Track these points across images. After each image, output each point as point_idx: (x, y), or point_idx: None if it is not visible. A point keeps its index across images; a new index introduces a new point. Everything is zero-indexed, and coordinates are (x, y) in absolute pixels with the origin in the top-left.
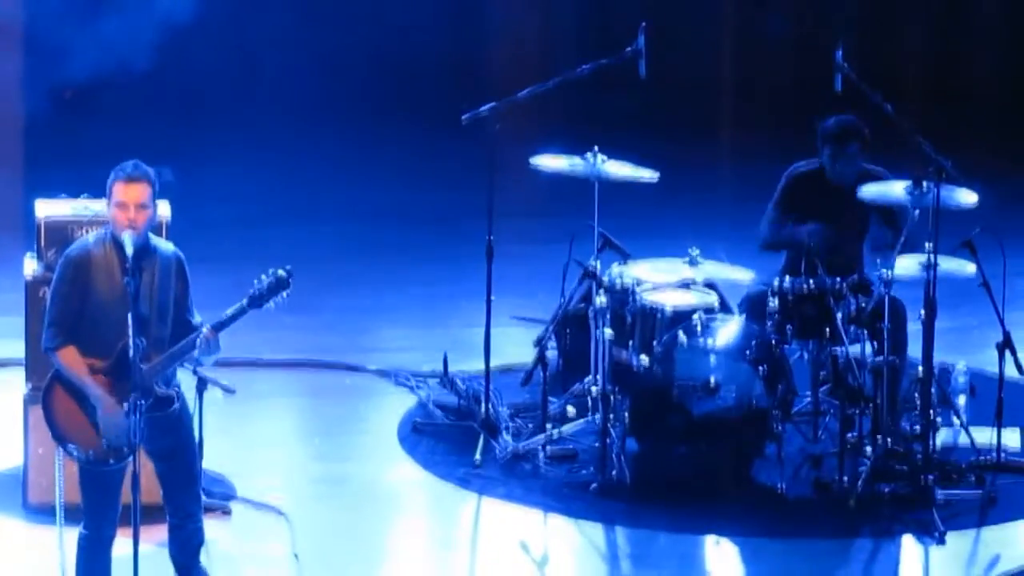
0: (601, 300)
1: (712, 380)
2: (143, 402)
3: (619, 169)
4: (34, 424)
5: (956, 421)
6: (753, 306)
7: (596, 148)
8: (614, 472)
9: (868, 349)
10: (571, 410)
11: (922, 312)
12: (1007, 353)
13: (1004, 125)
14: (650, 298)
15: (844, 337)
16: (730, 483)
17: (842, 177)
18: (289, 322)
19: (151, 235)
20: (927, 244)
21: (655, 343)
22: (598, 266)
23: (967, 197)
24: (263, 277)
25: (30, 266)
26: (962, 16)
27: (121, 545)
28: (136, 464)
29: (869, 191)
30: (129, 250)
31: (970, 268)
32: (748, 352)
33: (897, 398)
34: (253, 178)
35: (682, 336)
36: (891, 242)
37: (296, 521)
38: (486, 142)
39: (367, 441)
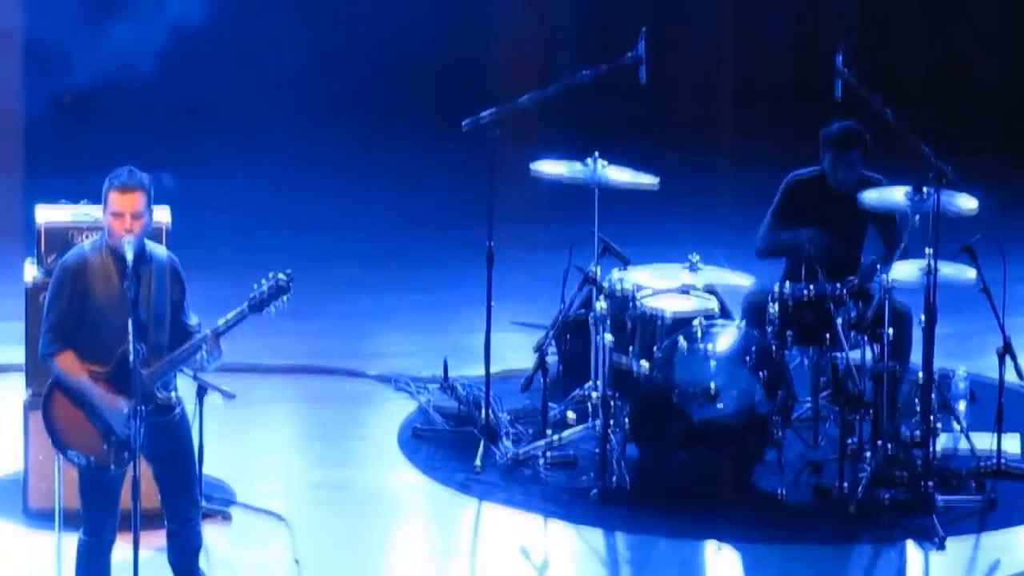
0: (601, 306)
1: (712, 386)
2: (144, 408)
3: (619, 175)
4: (34, 430)
5: (956, 427)
6: (753, 312)
7: (596, 154)
8: (614, 478)
9: (868, 355)
10: (571, 416)
11: (922, 318)
12: (1007, 359)
13: (1006, 129)
14: (650, 304)
15: (844, 343)
16: (730, 489)
17: (843, 183)
18: (289, 328)
19: (146, 241)
20: (927, 250)
21: (655, 349)
22: (598, 272)
23: (967, 203)
24: (263, 282)
25: (30, 272)
26: (963, 19)
27: (121, 550)
28: (136, 469)
29: (870, 197)
30: (129, 256)
31: (970, 273)
32: (748, 358)
33: (897, 404)
34: (253, 184)
35: (682, 342)
36: (884, 255)
37: (296, 527)
38: (486, 148)
39: (367, 447)
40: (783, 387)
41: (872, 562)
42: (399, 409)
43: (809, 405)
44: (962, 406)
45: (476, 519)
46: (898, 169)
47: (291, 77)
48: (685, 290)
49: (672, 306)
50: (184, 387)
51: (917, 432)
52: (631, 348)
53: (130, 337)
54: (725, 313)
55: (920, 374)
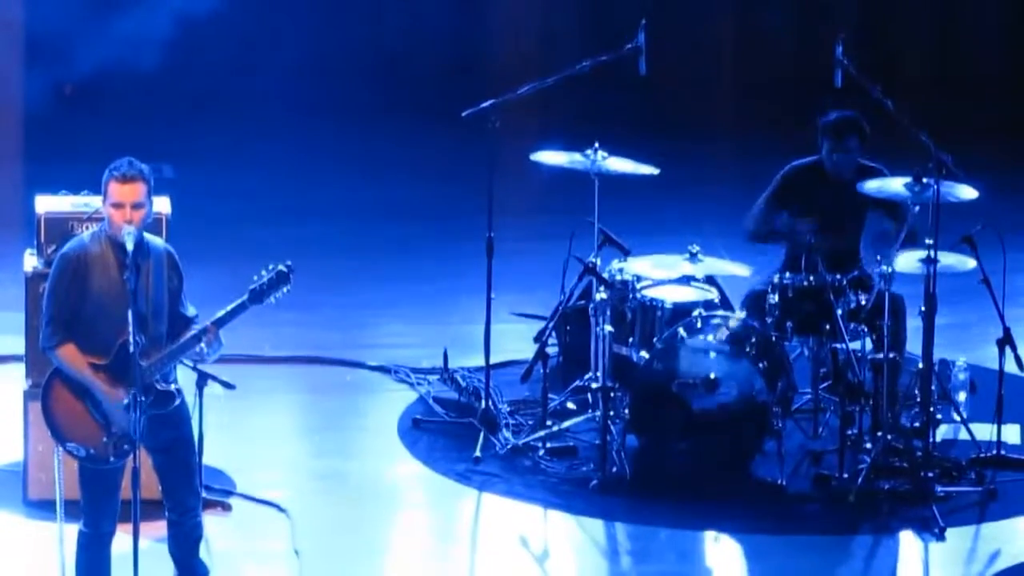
0: (601, 296)
1: (712, 376)
2: (143, 399)
3: (619, 165)
4: (34, 420)
5: (956, 417)
6: (754, 303)
7: (596, 144)
8: (614, 468)
9: (868, 345)
10: (571, 406)
11: (922, 308)
12: (1007, 349)
13: (1006, 117)
14: (650, 294)
15: (844, 333)
16: (730, 479)
17: (840, 171)
18: (289, 318)
19: (144, 232)
20: (927, 240)
21: (655, 339)
22: (598, 262)
23: (967, 193)
24: (264, 272)
25: (30, 261)
26: (965, 6)
27: (121, 541)
28: (136, 460)
29: (871, 186)
30: (130, 246)
31: (970, 263)
32: (748, 348)
33: (897, 394)
34: (253, 175)
35: (682, 332)
36: (894, 231)
37: (296, 517)
38: (486, 138)
39: (367, 437)
40: (783, 377)
41: (872, 552)
42: (399, 399)
43: (809, 395)
44: (962, 396)
45: (476, 509)
46: (899, 159)
47: (291, 67)
48: (685, 280)
49: (672, 296)
50: (184, 377)
51: (917, 422)
52: (631, 338)
53: (130, 328)
54: (725, 303)
55: (920, 364)
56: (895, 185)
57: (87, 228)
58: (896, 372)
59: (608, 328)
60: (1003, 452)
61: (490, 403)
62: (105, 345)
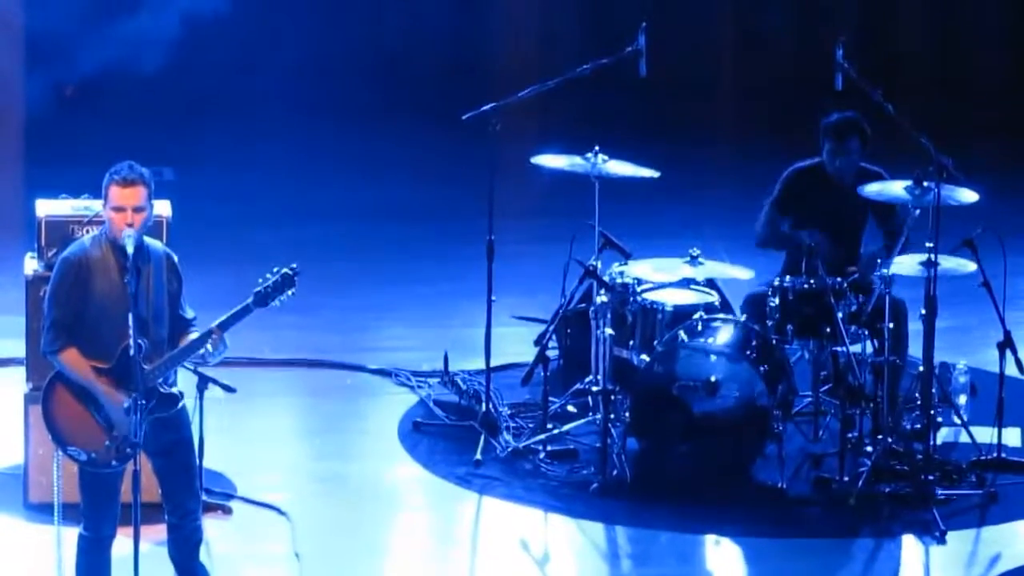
0: (602, 299)
1: (713, 379)
2: (145, 403)
3: (620, 168)
4: (34, 423)
5: (957, 420)
6: (754, 307)
7: (597, 147)
8: (615, 471)
9: (868, 348)
10: (572, 409)
11: (923, 311)
12: (1008, 352)
13: (1006, 119)
14: (651, 297)
15: (845, 336)
16: (731, 482)
17: (841, 174)
18: (290, 321)
19: (144, 236)
20: (927, 243)
21: (656, 342)
22: (599, 265)
23: (968, 196)
24: (268, 276)
25: (30, 265)
26: (965, 8)
27: (121, 544)
28: (136, 463)
29: (871, 190)
30: (130, 250)
31: (971, 267)
32: (749, 351)
33: (898, 397)
34: (253, 176)
35: (683, 335)
36: (886, 243)
37: (296, 520)
38: (487, 141)
39: (367, 440)
40: (784, 380)
41: (872, 555)
42: (400, 402)
43: (810, 399)
44: (963, 399)
45: (476, 512)
46: (899, 162)
47: (291, 68)
48: (686, 283)
49: (673, 299)
50: (184, 380)
51: (918, 425)
52: (632, 341)
53: (131, 331)
54: (726, 307)
55: (920, 367)
56: (896, 188)
57: (88, 232)
58: (897, 375)
59: (609, 331)
60: (1004, 455)
61: (490, 406)
62: (107, 349)
